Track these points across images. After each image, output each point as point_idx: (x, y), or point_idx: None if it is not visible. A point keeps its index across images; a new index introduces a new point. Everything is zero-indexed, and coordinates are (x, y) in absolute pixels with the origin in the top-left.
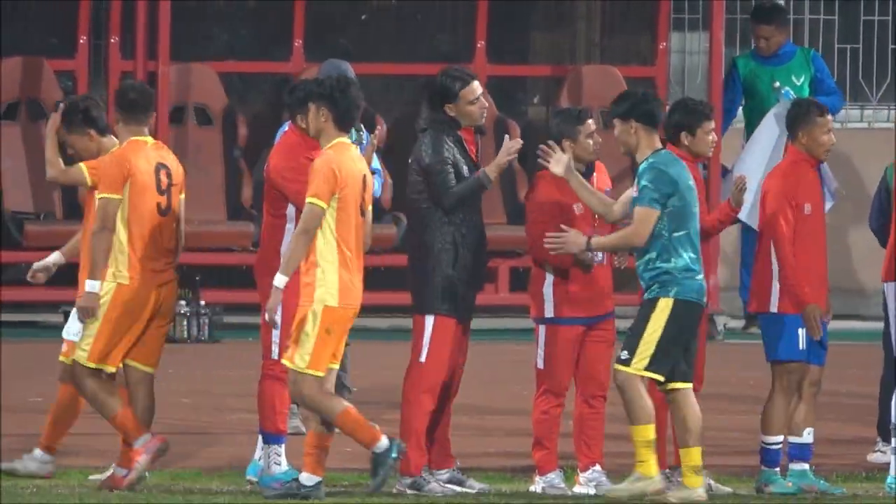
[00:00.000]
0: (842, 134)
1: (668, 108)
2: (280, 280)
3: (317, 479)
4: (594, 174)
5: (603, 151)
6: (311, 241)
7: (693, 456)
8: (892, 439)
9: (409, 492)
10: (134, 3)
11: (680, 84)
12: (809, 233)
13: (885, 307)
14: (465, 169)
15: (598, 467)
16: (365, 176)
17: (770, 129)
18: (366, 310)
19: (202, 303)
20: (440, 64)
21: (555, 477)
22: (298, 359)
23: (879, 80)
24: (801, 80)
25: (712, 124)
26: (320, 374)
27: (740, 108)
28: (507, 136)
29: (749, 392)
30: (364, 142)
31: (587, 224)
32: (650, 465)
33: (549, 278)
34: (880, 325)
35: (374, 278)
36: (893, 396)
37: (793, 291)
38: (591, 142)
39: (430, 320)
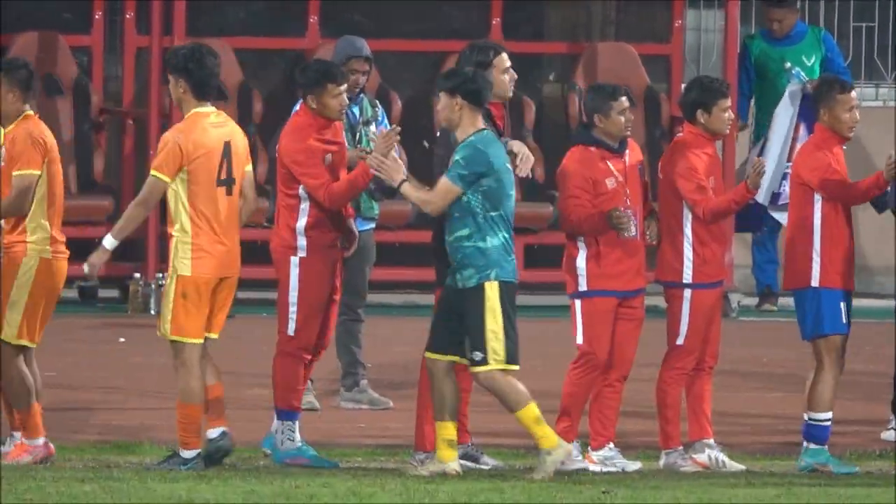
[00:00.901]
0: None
1: (684, 86)
2: (108, 241)
3: (195, 451)
4: (627, 150)
5: None
6: (147, 212)
7: (448, 429)
8: None
9: (422, 468)
10: None
11: (695, 62)
12: (838, 209)
13: None
14: None
15: (611, 445)
16: (229, 144)
17: (787, 109)
18: (380, 286)
19: None
20: (455, 41)
21: (572, 449)
22: (165, 327)
23: (895, 58)
24: (812, 60)
25: (728, 102)
26: (188, 340)
27: None
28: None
29: (762, 370)
30: (380, 118)
31: (619, 199)
32: (551, 437)
33: (583, 252)
34: (891, 302)
35: (387, 254)
36: None
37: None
38: (622, 118)
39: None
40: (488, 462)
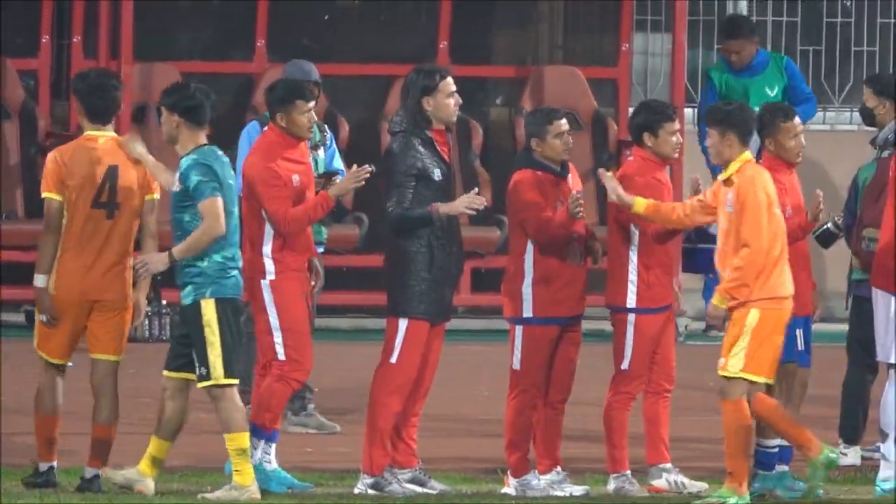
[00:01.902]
0: (804, 137)
1: (631, 109)
2: (36, 280)
3: (49, 464)
4: (569, 175)
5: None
6: (57, 236)
7: (161, 448)
8: (882, 443)
9: (370, 492)
10: (96, 2)
11: (642, 85)
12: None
13: (853, 310)
14: (436, 172)
15: (558, 469)
16: (115, 168)
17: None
18: (329, 310)
19: (163, 302)
20: (403, 65)
21: (531, 478)
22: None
23: (842, 81)
24: (776, 90)
25: (676, 125)
26: (46, 357)
27: None
28: (474, 190)
29: (709, 393)
30: (328, 143)
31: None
32: (248, 475)
33: (528, 278)
34: (837, 326)
35: (336, 279)
36: (882, 398)
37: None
38: (559, 142)
39: (403, 323)
40: (435, 487)
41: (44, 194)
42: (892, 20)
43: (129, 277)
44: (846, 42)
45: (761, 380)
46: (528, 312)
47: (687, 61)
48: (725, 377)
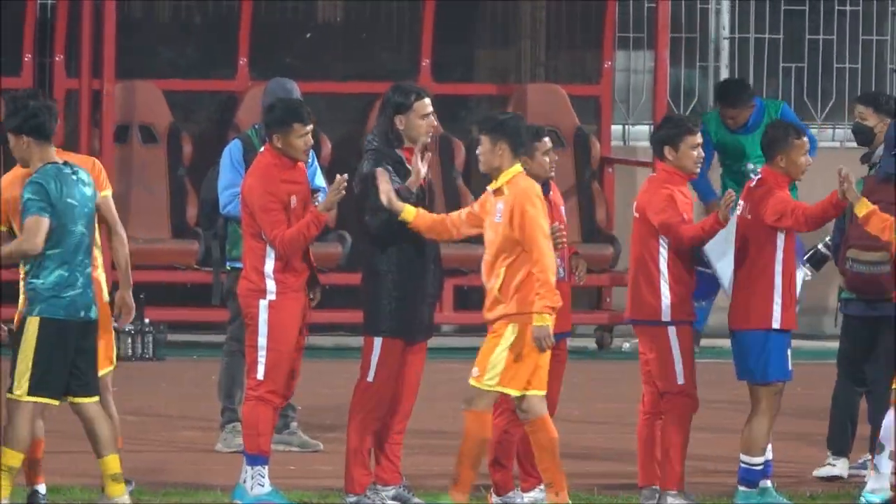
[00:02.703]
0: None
1: (615, 127)
2: None
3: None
4: (551, 192)
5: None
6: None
7: (111, 465)
8: (874, 454)
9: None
10: (79, 21)
11: (625, 103)
12: (790, 251)
13: (842, 328)
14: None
15: (541, 486)
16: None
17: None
18: (312, 328)
19: (146, 321)
20: (385, 82)
21: (515, 497)
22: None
23: (825, 99)
24: None
25: (698, 139)
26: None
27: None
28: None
29: None
30: (311, 161)
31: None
32: (5, 488)
33: None
34: (825, 343)
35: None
36: (886, 416)
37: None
38: (546, 159)
39: (377, 342)
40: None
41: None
42: (874, 37)
43: (100, 287)
44: (828, 59)
45: (516, 393)
46: None
47: (669, 78)
48: (477, 388)
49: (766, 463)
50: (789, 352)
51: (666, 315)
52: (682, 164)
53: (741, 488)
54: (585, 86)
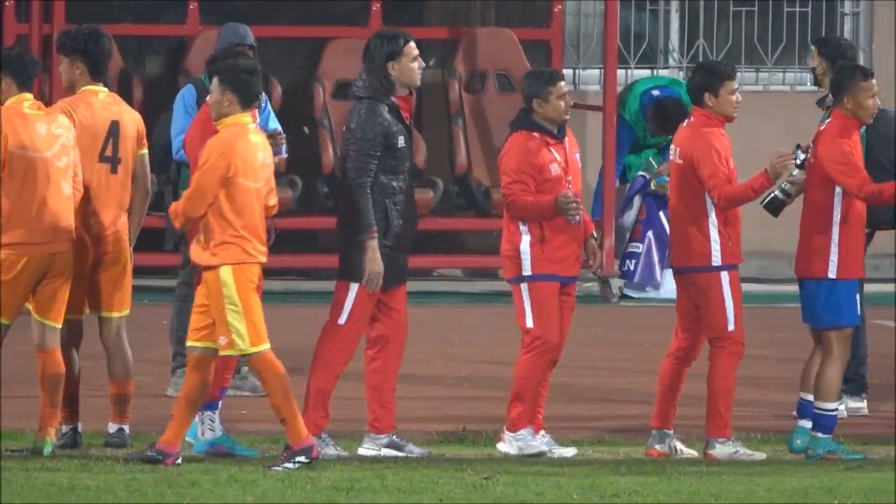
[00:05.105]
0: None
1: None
2: None
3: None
4: (565, 137)
5: (498, 115)
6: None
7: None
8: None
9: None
10: None
11: (575, 47)
12: (854, 199)
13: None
14: (399, 139)
15: (542, 431)
16: (117, 123)
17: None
18: (263, 273)
19: None
20: (335, 27)
21: (526, 434)
22: None
23: (775, 42)
24: None
25: (735, 84)
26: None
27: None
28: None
29: (647, 354)
30: (263, 105)
31: (562, 185)
32: None
33: (526, 238)
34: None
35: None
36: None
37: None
38: (562, 103)
39: (354, 287)
40: (414, 450)
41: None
42: None
43: (126, 233)
44: (778, 2)
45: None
46: (527, 270)
47: (620, 22)
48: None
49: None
50: (857, 297)
51: (717, 260)
52: (722, 109)
53: (817, 434)
54: (536, 30)
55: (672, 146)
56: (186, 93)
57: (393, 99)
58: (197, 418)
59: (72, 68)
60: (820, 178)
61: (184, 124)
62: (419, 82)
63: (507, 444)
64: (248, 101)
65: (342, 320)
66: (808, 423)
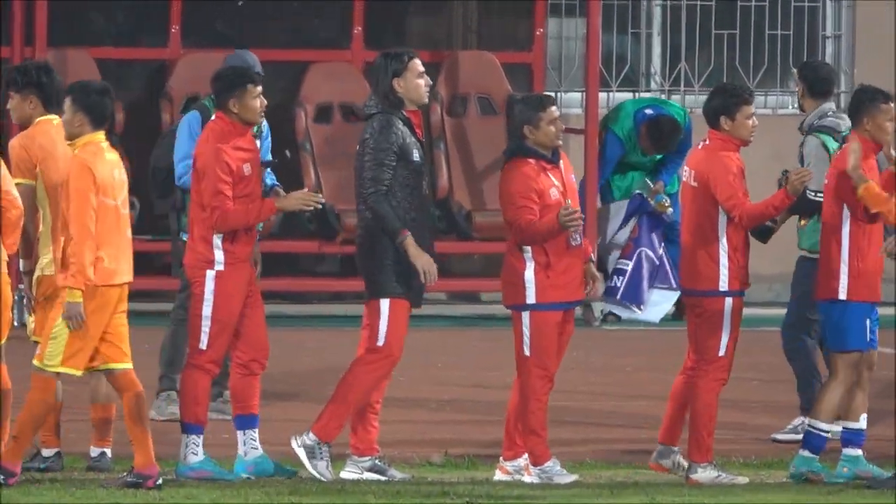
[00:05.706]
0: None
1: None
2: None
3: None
4: (561, 161)
5: (480, 138)
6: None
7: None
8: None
9: (301, 449)
10: None
11: (557, 70)
12: (866, 221)
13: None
14: (414, 153)
15: (526, 455)
16: None
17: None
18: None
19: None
20: (317, 50)
21: (553, 465)
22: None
23: (756, 66)
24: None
25: (752, 108)
26: None
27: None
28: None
29: (629, 378)
30: (265, 134)
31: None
32: None
33: (531, 264)
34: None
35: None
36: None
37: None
38: (553, 129)
39: (385, 304)
40: (395, 475)
41: (17, 181)
42: (806, 3)
43: None
44: (760, 26)
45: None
46: (531, 299)
47: (602, 45)
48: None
49: (861, 432)
50: (868, 321)
51: (724, 285)
52: (739, 133)
53: (802, 452)
54: (518, 53)
55: (686, 168)
56: (192, 118)
57: (404, 112)
58: (182, 442)
59: (24, 103)
60: (831, 197)
61: (188, 150)
62: (426, 98)
63: (534, 478)
64: (98, 121)
65: (381, 341)
66: (853, 451)
